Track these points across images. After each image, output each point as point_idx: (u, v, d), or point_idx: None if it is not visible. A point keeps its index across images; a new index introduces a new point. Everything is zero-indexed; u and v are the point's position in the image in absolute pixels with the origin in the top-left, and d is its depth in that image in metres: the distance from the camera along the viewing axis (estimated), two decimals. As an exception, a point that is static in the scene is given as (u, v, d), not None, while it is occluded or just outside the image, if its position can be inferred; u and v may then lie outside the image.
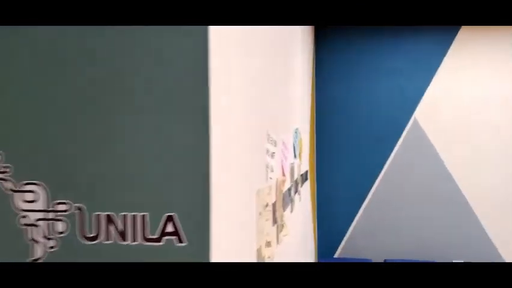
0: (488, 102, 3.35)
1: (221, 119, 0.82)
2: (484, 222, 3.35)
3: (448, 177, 3.37)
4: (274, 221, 1.51)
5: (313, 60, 3.68)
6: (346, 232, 3.55)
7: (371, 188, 3.51)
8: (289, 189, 2.01)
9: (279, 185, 1.66)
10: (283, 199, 1.78)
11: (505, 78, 3.33)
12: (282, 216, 1.71)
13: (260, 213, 1.20)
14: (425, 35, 3.42)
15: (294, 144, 2.32)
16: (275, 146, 1.63)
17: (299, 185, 2.57)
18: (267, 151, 1.45)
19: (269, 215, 1.37)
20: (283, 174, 1.80)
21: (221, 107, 0.82)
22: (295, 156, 2.33)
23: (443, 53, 3.40)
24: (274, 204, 1.52)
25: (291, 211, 2.13)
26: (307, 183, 3.21)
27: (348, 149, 3.54)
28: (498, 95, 3.34)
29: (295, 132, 2.39)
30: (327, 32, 3.62)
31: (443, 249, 3.34)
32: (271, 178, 1.50)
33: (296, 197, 2.39)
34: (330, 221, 3.58)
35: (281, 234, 1.67)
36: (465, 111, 3.37)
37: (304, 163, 2.94)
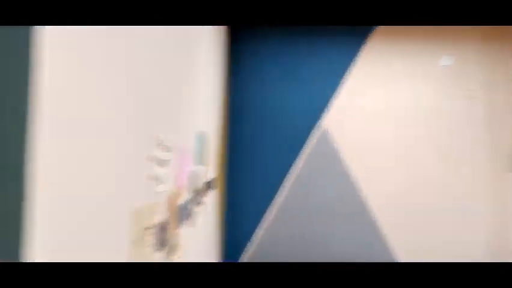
0: (396, 111, 3.43)
1: (55, 124, 0.56)
2: (388, 233, 3.42)
3: (355, 187, 3.39)
4: (162, 244, 1.26)
5: (228, 61, 3.51)
6: (253, 240, 3.39)
7: (277, 197, 3.39)
8: (187, 202, 1.77)
9: (172, 199, 1.41)
10: (178, 214, 1.53)
11: (414, 88, 3.43)
12: (175, 235, 1.46)
13: (136, 241, 0.94)
14: (337, 41, 3.42)
15: (198, 150, 2.08)
16: (169, 152, 1.38)
17: (203, 194, 2.34)
18: (155, 159, 1.19)
19: (152, 239, 1.12)
20: (179, 185, 1.55)
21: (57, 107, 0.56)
22: (198, 162, 2.09)
23: (352, 61, 3.42)
24: (163, 224, 1.27)
25: (192, 225, 1.90)
26: (215, 192, 3.00)
27: (258, 155, 3.39)
28: (405, 104, 3.44)
29: (200, 137, 2.16)
30: (242, 32, 3.46)
31: (348, 258, 3.36)
32: (160, 192, 1.25)
33: (199, 209, 2.15)
34: (238, 229, 3.40)
35: (173, 257, 1.43)
36: (373, 120, 3.41)
37: (211, 170, 2.72)
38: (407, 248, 3.38)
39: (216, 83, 2.83)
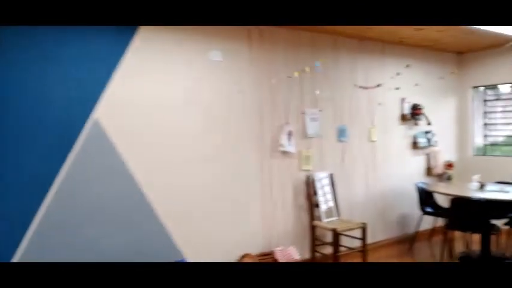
0: (170, 103, 3.28)
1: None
2: (171, 229, 3.32)
3: (134, 183, 3.13)
4: None
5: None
6: (16, 254, 2.75)
7: (43, 200, 2.83)
8: None
9: None
10: None
11: (187, 80, 3.36)
12: None
13: None
14: (108, 28, 3.03)
15: None
16: None
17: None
18: None
19: None
20: None
21: None
22: None
23: (125, 49, 3.11)
24: None
25: None
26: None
27: (14, 154, 2.75)
28: (178, 96, 3.32)
29: None
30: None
31: (130, 256, 3.12)
32: None
33: None
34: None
35: None
36: (147, 112, 3.18)
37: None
38: (191, 242, 3.42)
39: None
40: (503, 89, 5.57)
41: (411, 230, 4.82)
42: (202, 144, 3.47)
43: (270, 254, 3.72)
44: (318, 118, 4.16)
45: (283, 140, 3.88)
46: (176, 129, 3.34)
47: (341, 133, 4.35)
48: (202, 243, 3.47)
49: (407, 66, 4.94)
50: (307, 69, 4.03)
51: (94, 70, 2.98)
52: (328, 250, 4.04)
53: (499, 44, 4.93)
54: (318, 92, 4.15)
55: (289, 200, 3.99)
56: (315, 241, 4.03)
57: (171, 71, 3.31)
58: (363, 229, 3.84)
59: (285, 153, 3.94)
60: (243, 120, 3.69)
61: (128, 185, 3.12)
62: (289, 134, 3.92)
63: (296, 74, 3.97)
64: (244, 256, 3.62)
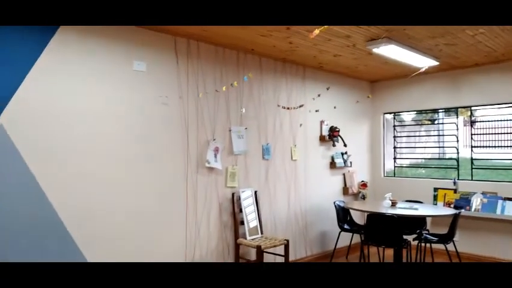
0: (90, 111, 3.11)
1: None
2: (86, 252, 3.06)
3: (40, 193, 2.83)
4: None
5: None
6: None
7: None
8: None
9: None
10: None
11: (107, 89, 3.21)
12: None
13: None
14: (23, 30, 2.79)
15: None
16: None
17: None
18: None
19: None
20: None
21: None
22: None
23: (41, 51, 2.87)
24: None
25: None
26: None
27: None
28: (97, 105, 3.16)
29: None
30: None
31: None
32: None
33: None
34: None
35: None
36: (60, 120, 2.96)
37: None
38: (107, 256, 3.17)
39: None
40: (408, 116, 6.17)
41: (331, 246, 4.99)
42: (123, 156, 3.27)
43: (192, 274, 3.56)
44: (244, 136, 4.18)
45: (210, 156, 3.82)
46: (93, 140, 3.10)
47: (265, 151, 4.41)
48: (124, 254, 3.21)
49: (328, 88, 5.24)
50: (235, 83, 4.05)
51: (2, 72, 2.67)
52: (252, 268, 3.98)
53: (406, 74, 5.47)
54: (243, 110, 4.19)
55: (215, 217, 3.90)
56: (239, 259, 3.97)
57: (91, 77, 3.10)
58: (286, 246, 3.88)
59: (211, 169, 3.87)
60: (167, 134, 3.57)
61: (35, 198, 2.78)
62: (216, 150, 3.88)
63: (224, 89, 3.98)
64: (165, 277, 3.41)
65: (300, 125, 4.88)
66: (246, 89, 4.25)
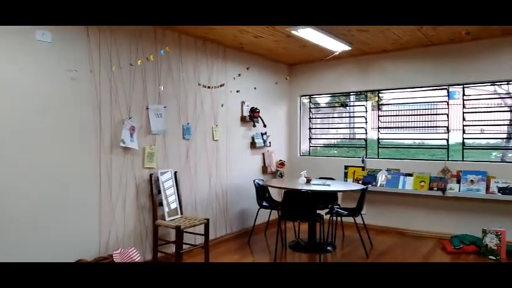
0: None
1: None
2: None
3: None
4: None
5: None
6: None
7: None
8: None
9: None
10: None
11: (9, 62, 2.88)
12: None
13: None
14: None
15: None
16: None
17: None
18: None
19: None
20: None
21: None
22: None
23: None
24: None
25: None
26: None
27: None
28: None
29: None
30: None
31: None
32: None
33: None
34: None
35: None
36: None
37: None
38: (17, 247, 2.90)
39: None
40: (323, 99, 6.49)
41: (250, 224, 5.12)
42: (26, 138, 2.96)
43: (107, 258, 3.41)
44: (163, 114, 4.05)
45: (125, 135, 3.64)
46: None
47: (186, 131, 4.33)
48: (29, 250, 2.95)
49: (248, 68, 5.27)
50: (151, 57, 3.87)
51: None
52: (172, 249, 3.94)
53: (322, 59, 5.70)
54: (161, 88, 4.05)
55: (131, 200, 3.75)
56: (158, 241, 3.88)
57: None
58: (206, 225, 3.89)
59: (127, 149, 3.69)
60: (77, 112, 3.31)
61: None
62: (132, 129, 3.71)
63: (139, 63, 3.78)
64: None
65: (222, 105, 4.86)
66: (165, 66, 4.10)
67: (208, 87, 4.66)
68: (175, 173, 4.09)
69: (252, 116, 5.28)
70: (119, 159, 3.64)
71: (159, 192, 3.88)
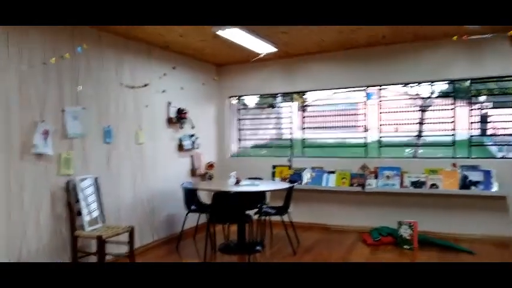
0: None
1: None
2: None
3: None
4: None
5: None
6: None
7: None
8: None
9: None
10: None
11: None
12: None
13: None
14: None
15: None
16: None
17: None
18: None
19: None
20: None
21: None
22: None
23: None
24: None
25: None
26: None
27: None
28: None
29: None
30: None
31: None
32: None
33: None
34: None
35: None
36: None
37: None
38: None
39: None
40: (251, 100, 6.54)
41: (178, 229, 4.99)
42: None
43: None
44: (81, 117, 3.78)
45: (38, 140, 3.33)
46: None
47: (107, 134, 4.09)
48: None
49: (174, 68, 5.12)
50: (67, 55, 3.58)
51: None
52: (93, 261, 3.69)
53: (249, 60, 5.73)
54: (80, 88, 3.77)
55: (46, 210, 3.45)
56: (77, 253, 3.62)
57: None
58: (131, 233, 3.71)
59: (39, 155, 3.38)
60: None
61: None
62: (46, 133, 3.40)
63: (53, 61, 3.47)
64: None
65: (146, 106, 4.67)
66: (84, 65, 3.83)
67: (132, 87, 4.45)
68: (96, 179, 3.84)
69: (179, 118, 5.16)
70: (31, 166, 3.33)
71: (77, 200, 3.61)
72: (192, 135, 5.46)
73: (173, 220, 5.11)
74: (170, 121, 5.06)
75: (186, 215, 4.76)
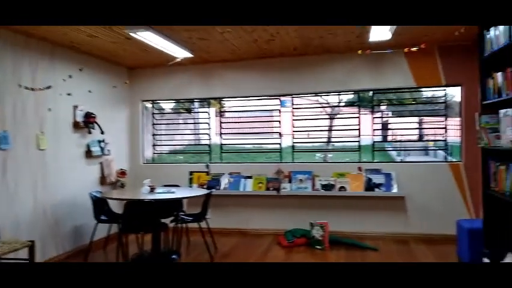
0: None
1: None
2: None
3: None
4: None
5: None
6: None
7: None
8: None
9: None
10: None
11: None
12: None
13: None
14: None
15: None
16: None
17: None
18: None
19: None
20: None
21: None
22: None
23: None
24: None
25: None
26: None
27: None
28: None
29: None
30: None
31: None
32: None
33: None
34: None
35: None
36: None
37: None
38: None
39: None
40: (167, 105, 6.40)
41: (86, 240, 4.65)
42: None
43: None
44: (-31, 120, 3.35)
45: None
46: None
47: (2, 140, 3.68)
48: None
49: (81, 69, 4.80)
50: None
51: None
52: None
53: (164, 64, 5.60)
54: (-32, 88, 3.35)
55: None
56: (-37, 275, 3.18)
57: None
58: (31, 248, 3.37)
59: None
60: None
61: None
62: None
63: None
64: None
65: (49, 109, 4.30)
66: (-29, 62, 3.41)
67: (32, 89, 4.07)
68: (-12, 190, 3.43)
69: (87, 122, 4.84)
70: None
71: (-35, 214, 3.19)
72: (102, 141, 5.16)
73: (81, 231, 4.76)
74: (76, 125, 4.72)
75: (96, 225, 4.47)
